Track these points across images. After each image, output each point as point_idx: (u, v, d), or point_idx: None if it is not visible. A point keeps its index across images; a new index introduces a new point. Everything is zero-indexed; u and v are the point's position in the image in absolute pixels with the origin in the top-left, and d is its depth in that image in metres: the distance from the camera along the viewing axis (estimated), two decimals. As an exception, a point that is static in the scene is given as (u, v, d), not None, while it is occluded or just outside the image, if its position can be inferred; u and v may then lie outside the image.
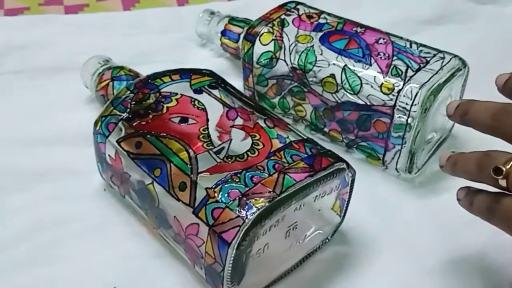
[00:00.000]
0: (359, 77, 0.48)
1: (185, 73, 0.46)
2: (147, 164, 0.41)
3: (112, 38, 0.65)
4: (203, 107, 0.43)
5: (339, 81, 0.48)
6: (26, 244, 0.44)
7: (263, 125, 0.42)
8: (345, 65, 0.48)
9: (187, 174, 0.39)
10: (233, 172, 0.38)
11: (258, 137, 0.41)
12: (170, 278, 0.42)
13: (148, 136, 0.42)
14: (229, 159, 0.39)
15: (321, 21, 0.53)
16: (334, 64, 0.49)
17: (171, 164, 0.40)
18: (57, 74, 0.60)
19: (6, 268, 0.42)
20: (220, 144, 0.40)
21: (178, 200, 0.38)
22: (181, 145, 0.40)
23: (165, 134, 0.41)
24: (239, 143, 0.41)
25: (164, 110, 0.43)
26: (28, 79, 0.59)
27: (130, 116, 0.43)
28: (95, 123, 0.44)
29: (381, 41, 0.50)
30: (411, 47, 0.49)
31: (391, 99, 0.46)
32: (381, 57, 0.48)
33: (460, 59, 0.48)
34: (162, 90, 0.45)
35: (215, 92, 0.45)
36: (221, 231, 0.36)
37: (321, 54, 0.50)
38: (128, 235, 0.45)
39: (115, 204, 0.47)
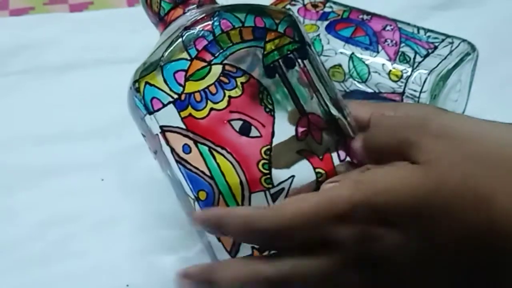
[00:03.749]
0: (366, 65, 0.47)
1: (259, 28, 0.31)
2: (193, 179, 0.32)
3: (119, 34, 0.65)
4: (271, 107, 0.31)
5: (346, 70, 0.48)
6: (38, 241, 0.44)
7: (335, 156, 0.31)
8: (352, 53, 0.48)
9: None
10: None
11: (324, 177, 0.31)
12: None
13: (200, 144, 0.31)
14: None
15: (327, 10, 0.52)
16: (341, 53, 0.48)
17: (220, 196, 0.31)
18: (64, 72, 0.60)
19: (19, 266, 0.42)
20: (280, 184, 0.31)
21: (219, 240, 0.32)
22: (237, 172, 0.31)
23: (220, 146, 0.31)
24: (300, 183, 0.31)
25: (225, 103, 0.31)
26: (36, 78, 0.59)
27: (182, 100, 0.31)
28: (135, 83, 0.32)
29: (388, 28, 0.49)
30: (418, 33, 0.48)
31: (400, 86, 0.45)
32: (388, 44, 0.48)
33: (469, 43, 0.47)
34: (226, 61, 0.31)
35: (292, 76, 0.31)
36: None
37: (328, 43, 0.49)
38: (140, 229, 0.45)
39: (126, 198, 0.47)
